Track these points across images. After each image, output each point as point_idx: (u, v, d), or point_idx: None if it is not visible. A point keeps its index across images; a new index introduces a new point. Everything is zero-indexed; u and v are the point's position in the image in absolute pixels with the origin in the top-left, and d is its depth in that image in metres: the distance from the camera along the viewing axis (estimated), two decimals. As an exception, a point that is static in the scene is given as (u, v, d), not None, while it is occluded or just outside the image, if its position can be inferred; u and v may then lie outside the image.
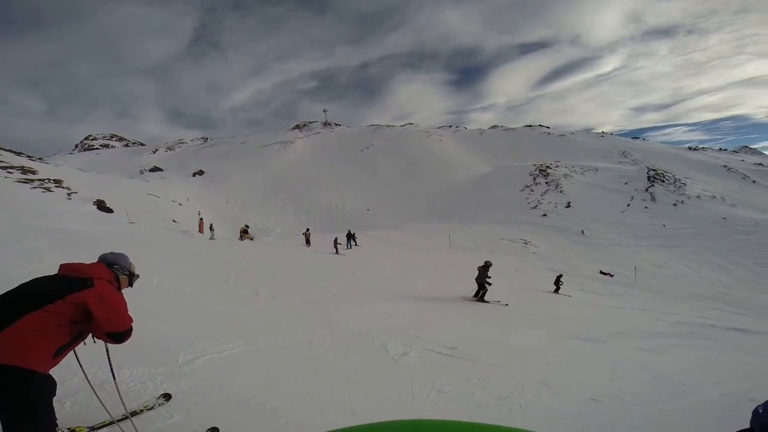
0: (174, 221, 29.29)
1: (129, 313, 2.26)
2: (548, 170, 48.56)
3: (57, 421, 2.08)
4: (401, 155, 63.66)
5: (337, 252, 20.35)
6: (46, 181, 27.84)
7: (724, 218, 33.70)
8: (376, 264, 17.32)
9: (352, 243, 22.95)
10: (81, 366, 2.42)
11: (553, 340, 7.89)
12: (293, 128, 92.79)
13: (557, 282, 16.21)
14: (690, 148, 67.42)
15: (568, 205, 40.46)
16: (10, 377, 1.78)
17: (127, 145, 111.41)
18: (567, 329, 8.99)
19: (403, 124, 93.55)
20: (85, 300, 2.01)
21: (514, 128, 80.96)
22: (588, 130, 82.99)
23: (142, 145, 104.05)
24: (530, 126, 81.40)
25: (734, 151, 73.10)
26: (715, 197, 38.84)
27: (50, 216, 17.77)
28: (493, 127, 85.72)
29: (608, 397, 4.42)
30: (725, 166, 50.04)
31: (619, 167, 49.77)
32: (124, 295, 2.35)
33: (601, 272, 23.47)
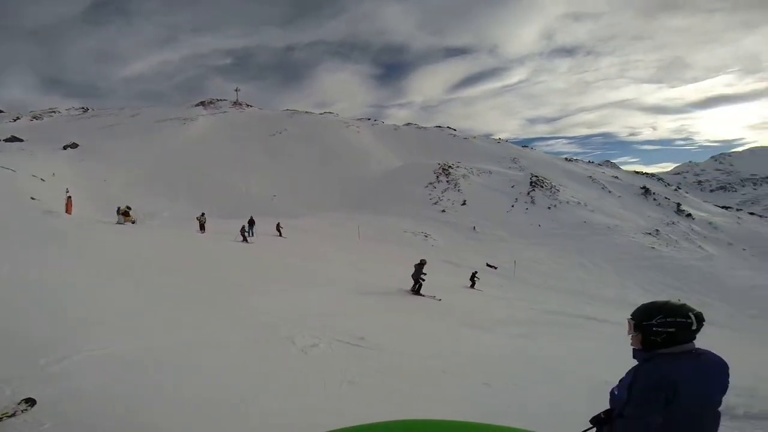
0: (33, 199, 24.36)
1: None
2: (450, 170, 52.09)
3: None
4: (317, 143, 62.22)
5: (245, 240, 19.19)
6: None
7: (585, 222, 40.10)
8: (282, 252, 16.79)
9: (255, 232, 21.66)
10: None
11: (449, 328, 8.58)
12: (197, 105, 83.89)
13: (473, 278, 17.50)
14: (566, 159, 78.31)
15: (464, 203, 44.00)
16: None
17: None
18: (460, 318, 9.85)
19: (322, 112, 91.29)
20: None
21: (425, 127, 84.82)
22: (488, 136, 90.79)
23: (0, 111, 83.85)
24: (440, 127, 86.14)
25: (599, 164, 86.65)
26: (580, 203, 45.91)
27: None
28: (408, 124, 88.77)
29: (498, 381, 4.98)
30: (590, 177, 59.38)
31: (509, 172, 55.62)
32: None
33: (488, 265, 26.16)
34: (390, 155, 63.52)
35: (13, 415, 2.58)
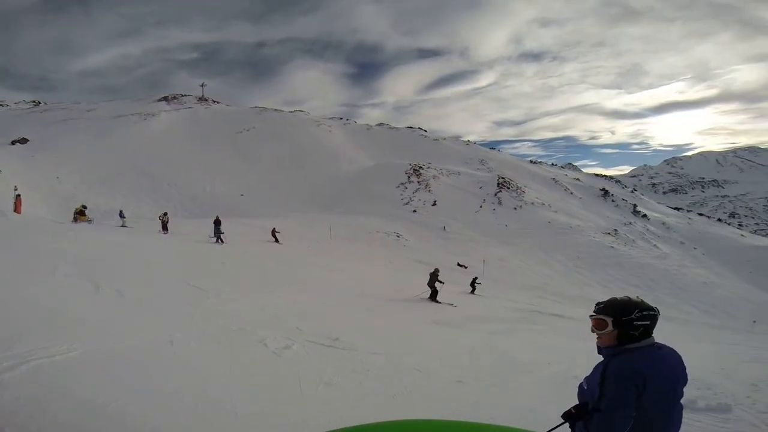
0: (-25, 196, 22.46)
1: None
2: (421, 170, 52.59)
3: None
4: (286, 142, 61.00)
5: (220, 241, 18.50)
6: None
7: (549, 222, 41.62)
8: (249, 254, 16.35)
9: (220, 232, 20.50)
10: None
11: (421, 326, 8.65)
12: (159, 99, 79.92)
13: (473, 284, 17.55)
14: (531, 162, 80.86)
15: (434, 204, 44.56)
16: None
17: None
18: (432, 316, 9.95)
19: (292, 110, 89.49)
20: None
21: (397, 128, 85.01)
22: (457, 138, 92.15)
23: None
24: (411, 128, 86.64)
25: (561, 167, 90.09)
26: (544, 204, 47.58)
27: None
28: (380, 124, 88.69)
29: (470, 378, 5.06)
30: (553, 179, 61.64)
31: (477, 173, 56.83)
32: None
33: (458, 264, 26.63)
34: (361, 155, 63.38)
35: None
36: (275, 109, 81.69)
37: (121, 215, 22.25)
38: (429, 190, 47.68)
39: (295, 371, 4.41)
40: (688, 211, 75.78)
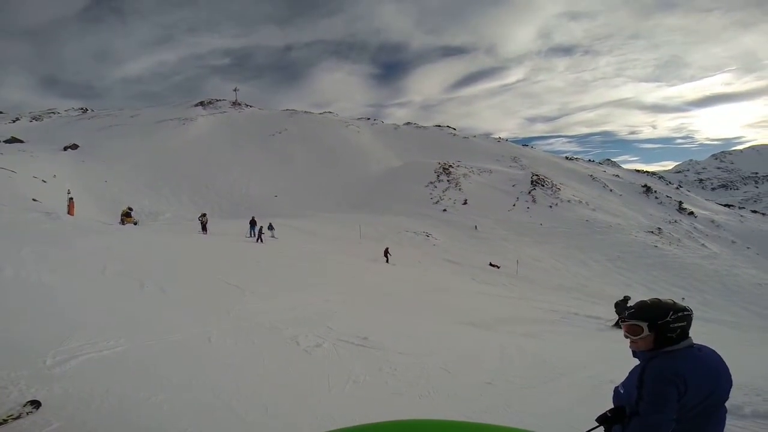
0: (35, 200, 24.36)
1: None
2: (451, 169, 52.05)
3: None
4: (317, 143, 62.18)
5: (260, 240, 19.24)
6: None
7: (587, 220, 40.05)
8: (283, 253, 16.76)
9: (258, 232, 21.28)
10: None
11: (451, 327, 8.55)
12: (196, 105, 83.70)
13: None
14: (566, 158, 78.17)
15: (465, 202, 43.96)
16: None
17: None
18: (462, 317, 9.83)
19: (321, 112, 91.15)
20: None
21: (425, 127, 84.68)
22: (487, 135, 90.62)
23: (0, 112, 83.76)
24: (439, 126, 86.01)
25: (599, 163, 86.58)
26: (581, 202, 45.85)
27: None
28: (407, 123, 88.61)
29: (500, 380, 4.96)
30: (591, 175, 59.30)
31: (510, 171, 55.56)
32: None
33: (490, 264, 26.12)
34: (390, 155, 63.50)
35: (19, 417, 2.57)
36: (305, 112, 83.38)
37: (270, 227, 21.99)
38: (459, 189, 47.10)
39: (324, 369, 4.49)
40: (740, 208, 70.67)
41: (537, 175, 50.78)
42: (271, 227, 22.16)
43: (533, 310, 12.83)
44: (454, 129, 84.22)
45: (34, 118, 73.94)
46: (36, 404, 2.71)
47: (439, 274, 19.91)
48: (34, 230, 12.61)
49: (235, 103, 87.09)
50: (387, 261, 20.78)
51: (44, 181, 32.81)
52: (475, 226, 37.37)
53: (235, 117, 73.77)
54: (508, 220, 39.92)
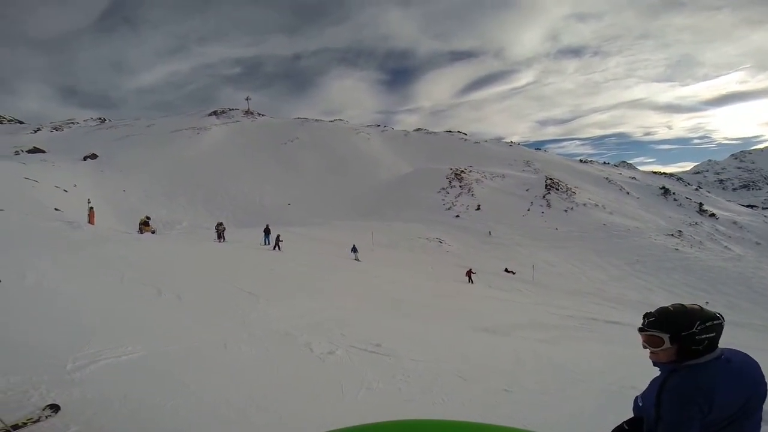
0: (57, 210, 25.10)
1: None
2: (463, 174, 51.84)
3: None
4: (327, 151, 62.75)
5: (278, 248, 19.35)
6: None
7: (604, 224, 39.32)
8: (296, 261, 16.85)
9: (270, 241, 21.51)
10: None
11: (465, 333, 8.44)
12: (209, 114, 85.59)
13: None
14: (581, 161, 77.17)
15: (478, 208, 43.66)
16: None
17: (0, 122, 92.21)
18: (477, 323, 9.69)
19: (332, 119, 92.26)
20: None
21: (435, 132, 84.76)
22: (499, 139, 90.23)
23: (21, 123, 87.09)
24: (450, 131, 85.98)
25: (615, 165, 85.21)
26: (597, 205, 45.07)
27: None
28: (417, 129, 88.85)
29: (516, 386, 4.85)
30: (607, 178, 58.32)
31: (523, 175, 55.03)
32: None
33: (506, 270, 25.81)
34: (400, 161, 63.60)
35: (38, 420, 2.62)
36: (316, 120, 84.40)
37: (354, 249, 21.92)
38: (472, 194, 46.84)
39: (337, 376, 4.47)
40: (763, 208, 68.42)
41: (551, 179, 50.19)
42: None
43: (550, 316, 12.59)
44: (465, 134, 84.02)
45: (55, 129, 76.55)
46: (55, 408, 2.77)
47: (451, 279, 19.74)
48: (56, 239, 12.97)
49: (247, 112, 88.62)
50: (471, 281, 20.11)
51: (65, 191, 33.88)
52: (489, 232, 37.05)
53: (247, 126, 75.07)
54: (522, 225, 39.48)
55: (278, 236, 20.35)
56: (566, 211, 43.13)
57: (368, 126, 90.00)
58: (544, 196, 46.45)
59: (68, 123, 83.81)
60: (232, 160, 57.13)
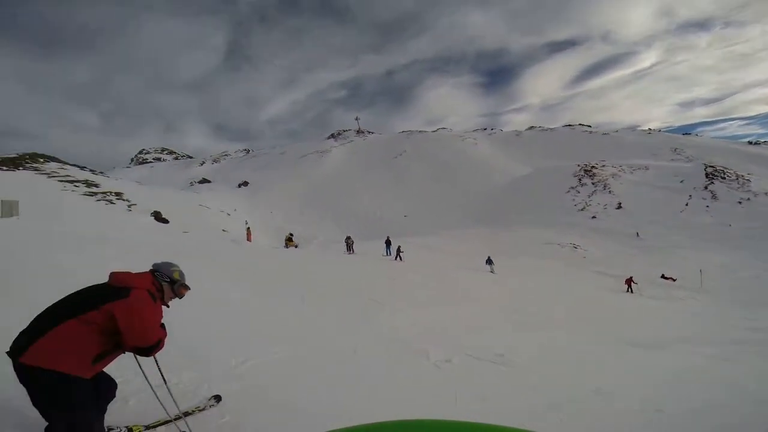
0: (224, 230, 30.67)
1: (160, 326, 2.29)
2: (594, 170, 46.32)
3: (105, 418, 2.22)
4: (434, 160, 63.23)
5: (399, 259, 20.34)
6: (108, 194, 30.27)
7: (799, 216, 30.47)
8: (418, 271, 17.15)
9: (392, 251, 22.43)
10: (141, 367, 2.51)
11: (608, 345, 7.42)
12: (328, 137, 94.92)
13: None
14: (749, 143, 62.22)
15: (619, 206, 38.32)
16: (47, 379, 1.91)
17: (177, 158, 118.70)
18: (626, 335, 8.44)
19: (435, 129, 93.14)
20: (112, 311, 2.02)
21: (552, 128, 78.25)
22: (633, 128, 78.70)
23: (190, 158, 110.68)
24: (570, 125, 78.31)
25: (798, 144, 66.10)
26: (786, 193, 35.25)
27: (113, 226, 19.21)
28: (531, 128, 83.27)
29: (673, 407, 4.03)
30: (794, 159, 45.40)
31: (672, 165, 46.57)
32: (168, 306, 2.41)
33: (663, 276, 21.85)
34: (514, 163, 60.09)
35: (204, 409, 3.09)
36: (419, 131, 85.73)
37: (489, 261, 20.93)
38: (609, 191, 41.48)
39: (452, 384, 4.36)
40: None
41: (712, 167, 41.34)
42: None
43: (727, 329, 10.23)
44: (589, 126, 75.40)
45: (215, 161, 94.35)
46: (218, 398, 3.26)
47: (589, 288, 17.58)
48: (225, 254, 15.77)
49: (359, 132, 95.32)
50: (630, 290, 18.41)
51: (228, 214, 41.23)
52: (637, 233, 32.09)
53: (360, 144, 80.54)
54: (680, 223, 33.21)
55: (399, 247, 21.11)
56: (740, 202, 34.84)
57: (474, 131, 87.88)
58: (706, 187, 38.46)
59: (223, 155, 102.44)
60: (351, 177, 61.83)
